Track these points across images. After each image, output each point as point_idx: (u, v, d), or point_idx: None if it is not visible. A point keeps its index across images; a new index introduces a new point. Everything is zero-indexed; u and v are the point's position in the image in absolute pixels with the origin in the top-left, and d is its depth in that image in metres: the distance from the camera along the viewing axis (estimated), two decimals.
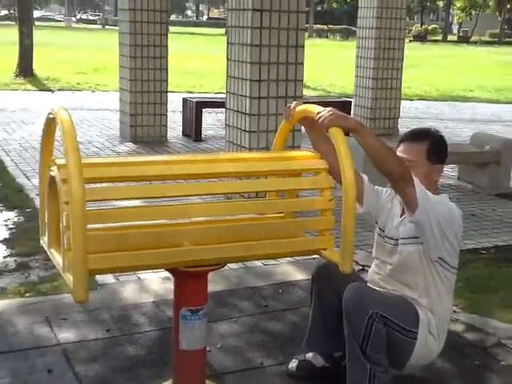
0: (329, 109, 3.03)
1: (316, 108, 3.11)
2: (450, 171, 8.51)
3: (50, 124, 2.85)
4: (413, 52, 31.01)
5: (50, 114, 2.77)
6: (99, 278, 4.84)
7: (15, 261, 5.32)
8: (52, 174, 2.77)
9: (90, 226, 2.70)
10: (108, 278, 4.89)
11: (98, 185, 2.82)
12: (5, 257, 5.43)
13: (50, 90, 17.65)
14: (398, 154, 3.39)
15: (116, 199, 2.97)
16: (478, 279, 4.96)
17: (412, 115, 15.05)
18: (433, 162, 3.40)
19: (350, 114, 11.36)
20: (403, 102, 13.67)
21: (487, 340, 4.13)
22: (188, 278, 3.06)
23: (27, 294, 4.67)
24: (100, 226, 2.93)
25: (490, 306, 4.52)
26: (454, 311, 4.37)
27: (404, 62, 12.30)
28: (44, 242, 3.08)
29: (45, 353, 3.86)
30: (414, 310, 3.36)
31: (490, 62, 31.31)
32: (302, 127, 3.50)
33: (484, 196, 7.91)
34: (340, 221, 2.89)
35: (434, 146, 3.41)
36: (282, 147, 3.39)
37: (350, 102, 12.38)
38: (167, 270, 3.11)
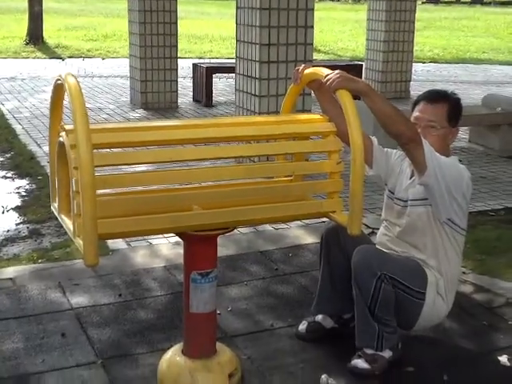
0: (337, 71, 3.03)
1: (324, 71, 3.10)
2: (461, 134, 8.42)
3: (58, 90, 2.86)
4: (425, 14, 30.72)
5: (57, 79, 2.78)
6: (111, 243, 4.89)
7: (27, 228, 5.37)
8: (61, 139, 2.79)
9: (99, 191, 2.73)
10: (119, 244, 4.93)
11: (108, 150, 2.85)
12: (17, 224, 5.48)
13: (60, 58, 17.60)
14: (416, 113, 3.39)
15: (125, 164, 2.99)
16: (486, 241, 4.97)
17: (424, 78, 14.94)
18: (451, 124, 3.40)
19: (361, 77, 11.28)
20: (415, 65, 13.57)
21: (495, 300, 4.16)
22: (197, 242, 3.09)
23: (40, 261, 4.72)
24: (110, 191, 2.96)
25: (499, 267, 4.54)
26: (463, 272, 4.40)
27: (416, 24, 12.19)
28: (55, 207, 3.10)
29: (58, 317, 3.91)
30: (422, 271, 3.38)
31: (504, 23, 30.93)
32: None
33: (495, 158, 7.89)
34: (349, 184, 2.90)
35: (453, 107, 3.42)
36: (290, 110, 3.38)
37: (361, 65, 12.30)
38: (177, 234, 3.14)
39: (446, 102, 3.41)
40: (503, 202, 6.13)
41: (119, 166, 3.13)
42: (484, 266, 4.57)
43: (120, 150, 2.91)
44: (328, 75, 3.02)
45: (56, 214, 3.09)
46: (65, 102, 2.71)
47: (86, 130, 2.51)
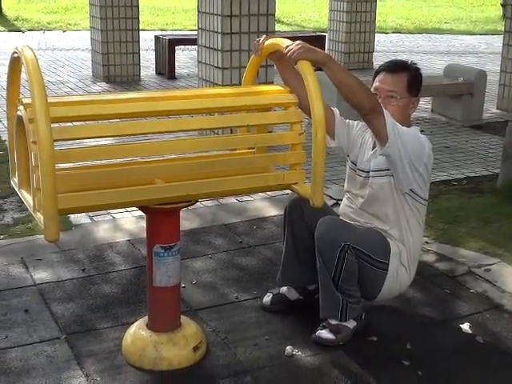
0: (297, 42, 3.02)
1: (285, 41, 3.09)
2: (423, 104, 8.50)
3: (15, 63, 2.82)
4: None
5: (14, 52, 2.73)
6: (74, 218, 4.85)
7: None
8: (19, 113, 2.74)
9: (59, 165, 2.69)
10: (82, 219, 4.89)
11: (68, 124, 2.81)
12: None
13: (19, 31, 17.31)
14: (377, 84, 3.39)
15: (85, 138, 2.97)
16: (449, 210, 5.01)
17: (387, 49, 14.98)
18: (411, 94, 3.41)
19: (324, 48, 11.27)
20: (378, 36, 13.61)
21: (457, 269, 4.21)
22: (160, 215, 3.08)
23: (1, 236, 4.67)
24: (70, 165, 2.93)
25: (461, 236, 4.58)
26: (426, 242, 4.44)
27: None
28: (14, 182, 3.07)
29: (21, 293, 3.88)
30: (385, 242, 3.40)
31: None
32: None
33: (457, 128, 7.94)
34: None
35: (413, 77, 3.42)
36: (252, 82, 3.37)
37: (324, 36, 12.28)
38: (139, 207, 3.12)
39: (406, 72, 3.41)
40: (465, 172, 6.18)
41: (80, 140, 3.09)
42: (446, 235, 4.61)
43: (80, 123, 2.86)
44: (289, 46, 3.01)
45: (16, 188, 3.06)
46: (24, 76, 2.65)
47: (44, 103, 2.48)
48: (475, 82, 8.00)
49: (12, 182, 3.11)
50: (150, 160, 3.19)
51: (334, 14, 12.14)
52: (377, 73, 3.46)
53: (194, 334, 3.31)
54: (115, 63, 10.44)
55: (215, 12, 6.67)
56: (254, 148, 3.27)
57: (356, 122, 3.56)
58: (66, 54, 13.41)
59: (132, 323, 3.42)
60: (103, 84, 10.24)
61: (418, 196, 3.41)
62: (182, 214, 3.20)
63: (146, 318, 3.36)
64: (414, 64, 3.50)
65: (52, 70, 11.19)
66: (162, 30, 16.84)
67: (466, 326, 3.60)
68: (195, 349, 3.25)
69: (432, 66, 12.38)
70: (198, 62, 7.23)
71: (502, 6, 19.13)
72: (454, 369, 3.26)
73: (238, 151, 3.32)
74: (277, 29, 8.11)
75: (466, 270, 4.18)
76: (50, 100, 2.53)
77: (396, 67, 3.43)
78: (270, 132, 3.56)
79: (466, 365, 3.30)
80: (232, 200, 5.33)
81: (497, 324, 3.65)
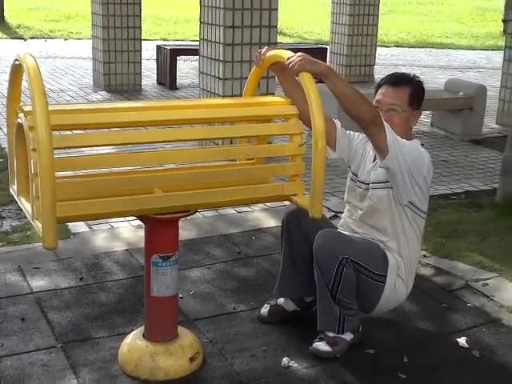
0: (299, 53, 3.02)
1: (286, 53, 3.09)
2: (423, 118, 8.51)
3: (17, 70, 2.82)
4: None
5: (15, 60, 2.74)
6: (72, 226, 4.85)
7: None
8: (19, 121, 2.75)
9: (59, 173, 2.69)
10: (81, 227, 4.89)
11: (68, 132, 2.81)
12: None
13: (22, 38, 17.34)
14: (379, 97, 3.40)
15: (85, 146, 2.95)
16: (447, 224, 5.01)
17: (388, 62, 15.00)
18: (413, 108, 3.41)
19: (325, 61, 11.30)
20: (379, 49, 13.64)
21: (455, 283, 4.20)
22: (159, 225, 3.08)
23: (0, 244, 4.66)
24: (70, 173, 2.93)
25: (459, 250, 4.58)
26: (424, 255, 4.44)
27: (380, 7, 12.21)
28: (13, 190, 3.07)
29: (18, 301, 3.87)
30: (383, 254, 3.40)
31: (467, 8, 31.08)
32: None
33: (457, 142, 7.95)
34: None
35: (415, 91, 3.42)
36: (252, 93, 3.37)
37: (326, 48, 12.31)
38: (138, 217, 3.12)
39: (408, 86, 3.42)
40: (464, 186, 6.19)
41: (80, 148, 3.09)
42: (444, 249, 4.61)
43: (81, 131, 2.87)
44: (290, 57, 3.01)
45: (15, 196, 3.06)
46: (25, 83, 2.66)
47: (45, 111, 2.48)
48: (475, 97, 8.02)
49: (11, 190, 3.11)
50: (149, 169, 3.19)
51: (335, 27, 12.17)
52: (379, 85, 3.47)
53: (191, 344, 3.30)
54: (116, 72, 10.45)
55: (217, 23, 6.69)
56: (253, 159, 3.27)
57: (357, 133, 3.56)
58: (67, 62, 13.43)
59: (129, 333, 3.42)
60: (104, 93, 10.26)
61: (417, 209, 3.41)
62: (180, 223, 3.20)
63: (142, 327, 3.36)
64: (417, 77, 3.51)
65: (53, 78, 11.21)
66: (163, 40, 16.88)
67: (462, 340, 3.59)
68: (192, 359, 3.25)
69: (433, 80, 12.40)
70: (200, 72, 7.25)
71: (503, 21, 19.16)
72: (450, 382, 3.26)
73: (237, 162, 3.33)
74: (279, 40, 8.13)
75: (464, 283, 4.17)
76: (50, 108, 2.53)
77: (398, 80, 3.44)
78: (270, 143, 3.56)
79: (463, 379, 3.29)
80: (231, 210, 5.33)
81: (494, 338, 3.64)
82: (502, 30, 20.06)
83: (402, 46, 18.70)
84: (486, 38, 21.47)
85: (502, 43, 13.00)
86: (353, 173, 3.56)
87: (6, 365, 3.27)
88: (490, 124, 8.90)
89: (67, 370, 3.25)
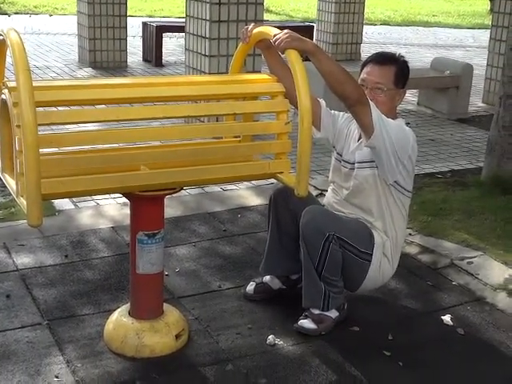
0: (285, 31, 3.00)
1: (273, 30, 3.07)
2: (410, 96, 8.52)
3: (0, 46, 2.79)
4: None
5: None
6: (57, 204, 4.83)
7: None
8: (3, 97, 2.72)
9: (43, 150, 2.67)
10: (66, 204, 4.87)
11: (53, 108, 2.79)
12: None
13: (5, 14, 17.16)
14: (364, 75, 3.39)
15: (70, 123, 2.92)
16: (433, 202, 5.02)
17: (375, 40, 14.99)
18: (398, 87, 3.41)
19: (312, 39, 11.25)
20: (366, 27, 13.61)
21: (440, 261, 4.22)
22: (144, 202, 3.07)
23: None
24: (55, 150, 2.91)
25: (444, 229, 4.59)
26: (409, 234, 4.45)
27: None
28: None
29: (2, 278, 3.86)
30: (369, 233, 3.41)
31: None
32: None
33: (443, 121, 7.96)
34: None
35: (400, 69, 3.42)
36: (239, 70, 3.35)
37: (313, 26, 12.26)
38: (123, 194, 3.11)
39: (394, 64, 3.41)
40: (450, 165, 6.21)
41: (65, 125, 3.07)
42: (430, 228, 4.62)
43: (65, 108, 2.84)
44: (276, 35, 2.99)
45: None
46: (9, 59, 2.63)
47: (29, 87, 2.45)
48: (461, 76, 8.02)
49: None
50: (135, 146, 3.18)
51: (322, 5, 12.12)
52: (364, 64, 3.46)
53: (177, 321, 3.31)
54: (102, 49, 10.37)
55: None
56: (239, 137, 3.26)
57: (341, 113, 3.55)
58: (52, 38, 13.33)
59: (114, 310, 3.41)
60: (89, 70, 10.19)
61: (402, 188, 3.41)
62: (166, 201, 3.19)
63: (128, 305, 3.36)
64: (402, 57, 3.50)
65: (38, 55, 11.11)
66: (149, 17, 16.76)
67: (447, 318, 3.62)
68: (177, 336, 3.25)
69: (419, 58, 12.40)
70: (186, 49, 7.20)
71: (490, 0, 19.16)
72: (434, 360, 3.28)
73: (223, 139, 3.31)
74: (265, 18, 8.10)
75: (449, 262, 4.20)
76: (35, 84, 2.51)
77: (384, 59, 3.43)
78: (256, 121, 3.55)
79: (447, 356, 3.31)
80: (216, 188, 5.33)
81: (478, 316, 3.67)
82: (489, 8, 20.06)
83: (389, 25, 18.69)
84: (472, 16, 21.50)
85: (488, 22, 13.01)
86: (337, 153, 3.56)
87: None
88: (477, 103, 8.92)
89: (53, 346, 3.24)
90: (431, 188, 5.39)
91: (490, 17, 10.26)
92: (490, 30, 9.26)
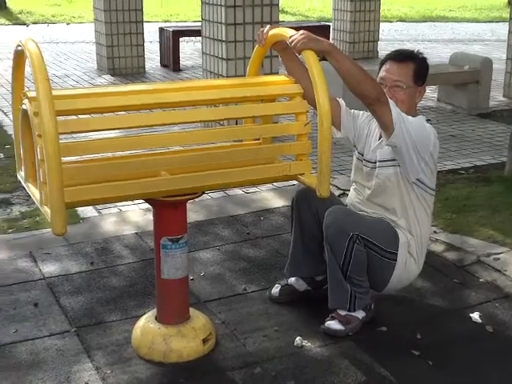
0: (301, 31, 2.99)
1: (289, 31, 3.06)
2: (429, 93, 8.47)
3: (19, 56, 2.81)
4: None
5: (18, 46, 2.72)
6: (81, 211, 4.85)
7: None
8: (24, 107, 2.73)
9: (65, 158, 2.68)
10: (90, 212, 4.89)
11: (73, 117, 2.80)
12: None
13: (24, 24, 17.30)
14: (383, 73, 3.37)
15: (91, 131, 2.94)
16: (456, 199, 4.99)
17: (392, 37, 14.93)
18: (417, 84, 3.38)
19: (328, 38, 11.24)
20: (383, 25, 13.54)
21: (466, 258, 4.19)
22: (166, 208, 3.07)
23: (10, 230, 4.67)
24: (77, 158, 2.92)
25: (469, 225, 4.56)
26: (434, 232, 4.42)
27: None
28: (21, 176, 3.06)
29: (30, 287, 3.88)
30: (393, 232, 3.39)
31: None
32: None
33: (464, 116, 7.91)
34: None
35: (419, 66, 3.39)
36: (256, 73, 3.35)
37: (329, 26, 12.24)
38: (146, 200, 3.12)
39: (413, 62, 3.39)
40: (472, 160, 6.16)
41: (86, 133, 3.08)
42: (455, 225, 4.59)
43: (86, 116, 2.85)
44: (292, 36, 2.98)
45: (22, 182, 3.06)
46: (29, 69, 2.64)
47: (49, 96, 2.46)
48: (481, 70, 7.96)
49: (18, 176, 3.10)
50: (155, 152, 3.18)
51: (338, 4, 12.09)
52: (383, 62, 3.44)
53: (203, 326, 3.31)
54: (120, 55, 10.42)
55: (219, 3, 6.65)
56: (259, 139, 3.26)
57: (362, 112, 3.54)
58: (70, 46, 13.40)
59: (141, 316, 3.42)
60: (108, 77, 10.23)
61: (425, 186, 3.39)
62: (188, 205, 3.20)
63: (154, 310, 3.36)
64: (421, 53, 3.47)
65: (57, 63, 11.18)
66: (165, 22, 16.82)
67: (475, 316, 3.58)
68: (204, 341, 3.25)
69: (437, 54, 12.34)
70: (203, 53, 7.21)
71: None
72: (463, 358, 3.25)
73: (243, 142, 3.31)
74: (281, 19, 8.09)
75: (475, 259, 4.16)
76: (54, 93, 2.52)
77: (402, 56, 3.41)
78: (276, 123, 3.54)
79: (476, 354, 3.28)
80: (238, 191, 5.32)
81: (506, 313, 3.64)
82: (507, 1, 19.93)
83: (406, 21, 18.61)
84: (490, 9, 21.34)
85: (506, 15, 12.92)
86: (359, 152, 3.54)
87: (20, 350, 3.28)
88: (497, 97, 8.85)
89: (82, 354, 3.26)
90: (454, 185, 5.36)
91: (508, 10, 10.17)
92: (508, 23, 9.18)
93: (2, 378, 3.08)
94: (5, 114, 7.80)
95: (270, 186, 5.36)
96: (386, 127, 3.19)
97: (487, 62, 8.07)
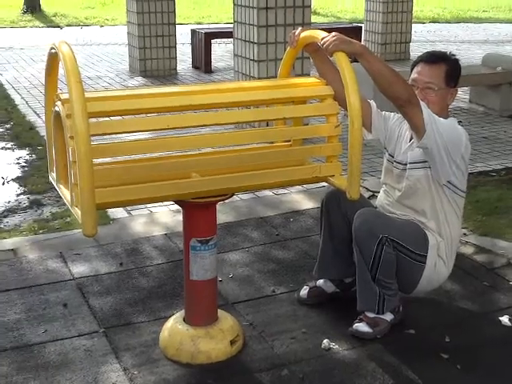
0: (333, 33, 2.99)
1: (320, 33, 3.06)
2: (461, 94, 8.39)
3: (53, 59, 2.84)
4: None
5: (52, 48, 2.75)
6: (111, 212, 4.89)
7: (28, 198, 5.37)
8: (56, 109, 2.76)
9: (97, 160, 2.71)
10: (120, 213, 4.93)
11: (105, 119, 2.83)
12: (18, 195, 5.47)
13: (58, 26, 17.48)
14: (414, 75, 3.36)
15: (122, 133, 2.96)
16: (487, 201, 4.95)
17: (424, 39, 14.84)
18: (449, 86, 3.37)
19: (360, 40, 11.20)
20: (415, 26, 13.46)
21: (496, 261, 4.16)
22: (196, 209, 3.08)
23: (40, 231, 4.72)
24: (108, 160, 2.95)
25: (500, 228, 4.53)
26: (464, 234, 4.39)
27: None
28: (52, 177, 3.10)
29: (59, 287, 3.92)
30: (423, 234, 3.37)
31: None
32: None
33: (496, 118, 7.84)
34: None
35: (451, 68, 3.38)
36: (287, 75, 3.35)
37: (360, 27, 12.19)
38: (176, 201, 3.13)
39: (444, 63, 3.37)
40: (504, 162, 6.11)
41: (117, 135, 3.10)
42: (485, 227, 4.55)
43: (118, 118, 2.88)
44: (324, 38, 2.98)
45: (54, 183, 3.09)
46: (62, 71, 2.67)
47: (81, 98, 2.49)
48: None
49: (50, 177, 3.14)
50: (186, 154, 3.20)
51: (370, 5, 12.04)
52: (415, 64, 3.43)
53: (231, 327, 3.32)
54: (152, 57, 10.48)
55: (251, 5, 6.66)
56: (290, 141, 3.26)
57: (392, 113, 3.53)
58: (103, 48, 13.51)
59: (169, 317, 3.44)
60: (140, 78, 10.30)
61: (456, 188, 3.37)
62: (218, 207, 3.21)
63: (183, 311, 3.38)
64: (453, 55, 3.46)
65: (89, 65, 11.28)
66: (198, 24, 16.88)
67: (505, 319, 3.55)
68: (232, 342, 3.26)
69: (470, 55, 12.24)
70: (234, 55, 7.23)
71: None
72: (493, 362, 3.22)
73: (274, 144, 3.32)
74: (313, 20, 8.06)
75: (506, 262, 4.13)
76: (87, 95, 2.55)
77: (434, 58, 3.39)
78: (306, 124, 3.54)
79: (506, 358, 3.26)
80: (268, 193, 5.33)
81: None
82: None
83: (438, 22, 18.48)
84: None
85: None
86: (389, 154, 3.53)
87: (49, 350, 3.32)
88: None
89: (110, 354, 3.28)
90: (485, 187, 5.32)
91: None
92: None
93: (31, 377, 3.11)
94: (37, 115, 7.89)
95: (299, 187, 5.36)
96: (417, 129, 3.18)
97: None
